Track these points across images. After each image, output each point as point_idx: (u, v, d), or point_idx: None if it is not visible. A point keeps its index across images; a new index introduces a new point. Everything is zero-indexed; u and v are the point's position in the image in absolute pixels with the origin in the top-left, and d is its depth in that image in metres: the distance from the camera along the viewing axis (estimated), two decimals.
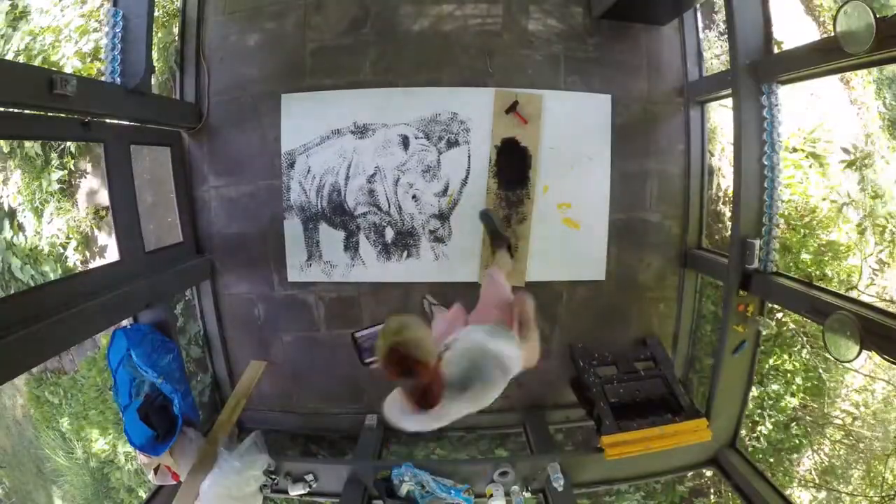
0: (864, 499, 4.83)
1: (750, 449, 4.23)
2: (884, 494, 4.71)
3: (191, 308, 3.53)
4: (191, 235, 3.25)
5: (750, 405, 3.97)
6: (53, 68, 3.83)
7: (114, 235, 2.65)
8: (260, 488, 2.79)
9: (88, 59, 3.96)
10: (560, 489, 2.76)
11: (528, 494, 2.90)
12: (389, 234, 3.27)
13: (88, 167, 4.61)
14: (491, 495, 2.79)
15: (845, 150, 4.79)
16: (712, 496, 4.55)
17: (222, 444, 2.78)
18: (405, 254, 3.28)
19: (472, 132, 3.19)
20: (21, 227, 4.60)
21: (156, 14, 2.91)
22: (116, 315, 2.60)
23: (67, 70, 3.88)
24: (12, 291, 4.27)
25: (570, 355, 3.26)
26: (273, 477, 2.84)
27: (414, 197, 3.23)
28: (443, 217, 3.26)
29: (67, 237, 4.48)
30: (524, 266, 3.29)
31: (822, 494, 4.99)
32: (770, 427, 4.18)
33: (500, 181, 3.23)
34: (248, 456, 2.78)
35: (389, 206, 3.24)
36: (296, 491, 2.88)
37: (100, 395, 4.63)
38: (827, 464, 4.87)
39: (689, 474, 3.27)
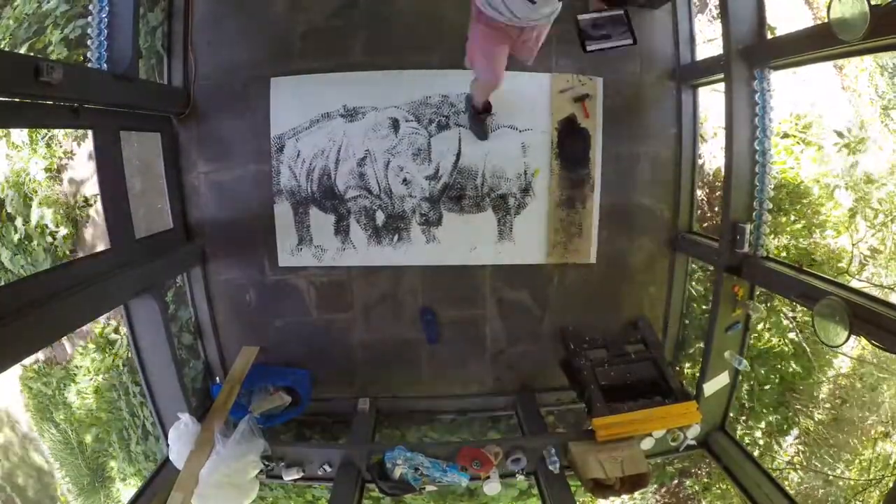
0: (851, 480, 4.93)
1: (739, 433, 4.30)
2: (871, 477, 4.80)
3: (181, 295, 3.52)
4: (181, 222, 3.22)
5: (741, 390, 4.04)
6: (39, 55, 3.79)
7: (104, 223, 2.63)
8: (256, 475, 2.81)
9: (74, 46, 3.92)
10: (556, 471, 2.80)
11: (521, 477, 2.93)
12: (380, 217, 3.26)
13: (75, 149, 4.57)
14: (487, 477, 2.82)
15: (839, 134, 4.80)
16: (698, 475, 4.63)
17: (218, 431, 2.78)
18: (396, 237, 3.28)
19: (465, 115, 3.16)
20: (10, 218, 4.56)
21: None
22: (108, 303, 2.60)
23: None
24: (2, 282, 4.25)
25: (560, 338, 3.28)
26: (269, 463, 2.85)
27: (405, 181, 3.21)
28: (433, 201, 3.25)
29: (56, 226, 4.45)
30: (589, 244, 3.32)
31: (811, 477, 5.09)
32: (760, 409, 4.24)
33: (562, 162, 3.23)
34: (244, 441, 2.78)
35: (380, 190, 3.23)
36: (290, 476, 2.89)
37: (93, 384, 4.63)
38: (814, 446, 4.95)
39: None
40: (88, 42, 2.58)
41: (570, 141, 3.23)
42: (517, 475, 2.90)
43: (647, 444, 2.89)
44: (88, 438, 4.97)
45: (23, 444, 5.80)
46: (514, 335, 3.44)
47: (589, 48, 1.89)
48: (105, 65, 2.53)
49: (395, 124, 3.17)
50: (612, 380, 3.00)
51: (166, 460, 2.81)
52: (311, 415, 3.46)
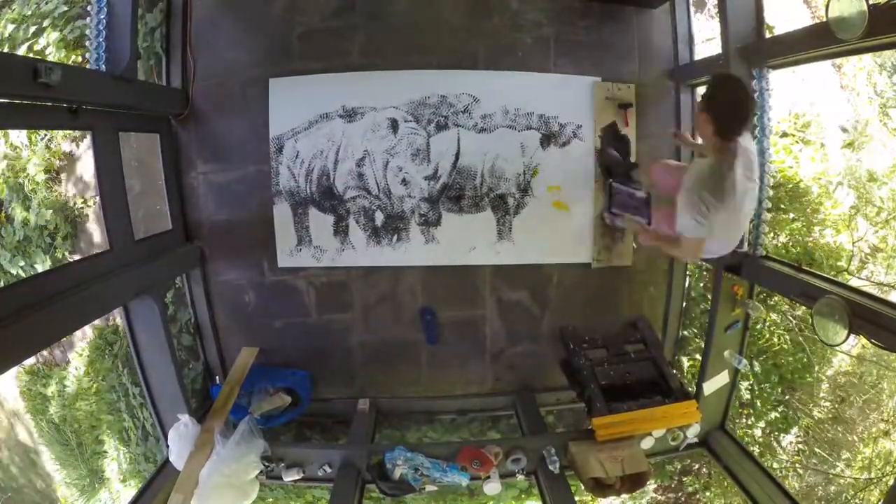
0: (852, 479, 4.92)
1: (739, 432, 4.29)
2: (872, 476, 4.80)
3: (181, 296, 3.51)
4: (180, 223, 3.22)
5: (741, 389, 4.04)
6: (38, 57, 3.78)
7: (103, 224, 2.63)
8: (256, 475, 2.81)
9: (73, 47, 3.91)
10: (556, 471, 2.80)
11: (521, 477, 2.93)
12: (379, 218, 3.26)
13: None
14: (487, 477, 2.82)
15: (844, 130, 4.81)
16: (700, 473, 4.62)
17: (218, 432, 2.78)
18: (395, 238, 3.28)
19: (468, 115, 3.18)
20: (9, 219, 4.56)
21: None
22: (108, 305, 2.60)
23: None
24: (2, 284, 4.24)
25: (560, 337, 3.28)
26: (269, 464, 2.85)
27: (404, 181, 3.21)
28: (432, 201, 3.25)
29: (55, 227, 4.44)
30: (629, 248, 3.36)
31: (812, 475, 5.09)
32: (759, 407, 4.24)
33: (603, 168, 3.25)
34: (244, 442, 2.78)
35: (379, 190, 3.23)
36: (290, 477, 2.89)
37: (93, 386, 4.62)
38: (814, 444, 4.95)
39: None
40: (87, 43, 2.58)
41: (614, 148, 3.23)
42: (517, 475, 2.90)
43: (647, 443, 2.89)
44: (88, 440, 4.97)
45: (9, 419, 5.79)
46: (513, 335, 3.44)
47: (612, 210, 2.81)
48: (104, 66, 2.52)
49: (394, 125, 3.17)
50: (612, 379, 2.99)
51: (166, 461, 2.80)
52: (310, 415, 3.45)
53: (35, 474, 5.89)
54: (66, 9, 4.02)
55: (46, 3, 4.09)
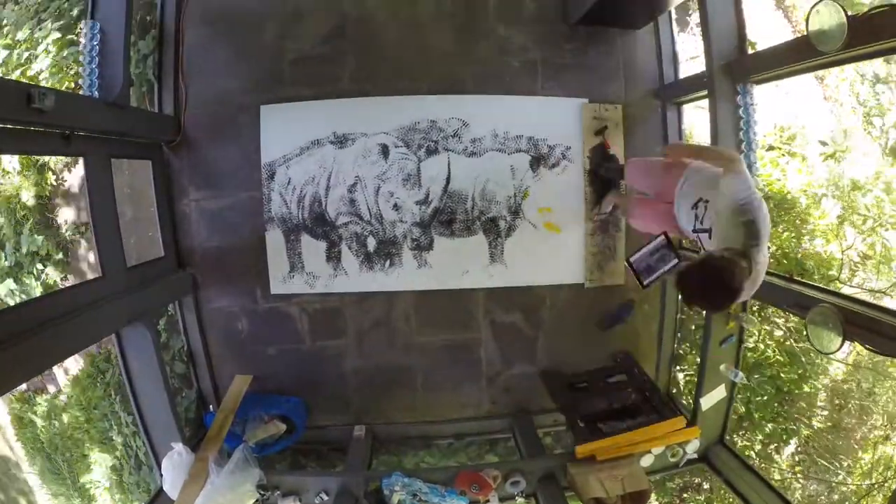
0: (853, 486, 4.90)
1: (740, 444, 4.28)
2: (874, 482, 4.78)
3: (174, 323, 3.49)
4: (172, 250, 3.21)
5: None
6: (31, 82, 3.79)
7: (95, 251, 2.62)
8: None
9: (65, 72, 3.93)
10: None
11: (521, 499, 2.90)
12: (371, 243, 3.26)
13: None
14: (487, 501, 2.78)
15: (822, 143, 4.89)
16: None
17: (212, 460, 2.74)
18: (388, 263, 3.28)
19: (458, 139, 3.21)
20: (1, 245, 4.53)
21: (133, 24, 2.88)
22: (100, 332, 2.58)
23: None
24: None
25: (542, 382, 3.34)
26: (264, 492, 2.80)
27: (395, 206, 3.23)
28: (424, 225, 3.26)
29: (47, 253, 4.42)
30: (620, 266, 3.35)
31: (815, 486, 5.06)
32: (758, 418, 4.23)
33: (595, 188, 3.29)
34: (239, 471, 2.74)
35: (371, 216, 3.24)
36: None
37: (84, 414, 4.56)
38: (814, 454, 4.93)
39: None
40: (80, 69, 2.60)
41: (603, 168, 3.28)
42: (516, 498, 2.88)
43: (646, 461, 2.88)
44: (80, 469, 4.88)
45: None
46: (508, 358, 3.43)
47: (646, 283, 2.25)
48: (96, 92, 2.54)
49: (385, 150, 3.19)
50: (598, 408, 3.01)
51: (160, 491, 2.76)
52: (306, 443, 3.41)
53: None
54: (59, 35, 4.04)
55: (40, 30, 4.12)
